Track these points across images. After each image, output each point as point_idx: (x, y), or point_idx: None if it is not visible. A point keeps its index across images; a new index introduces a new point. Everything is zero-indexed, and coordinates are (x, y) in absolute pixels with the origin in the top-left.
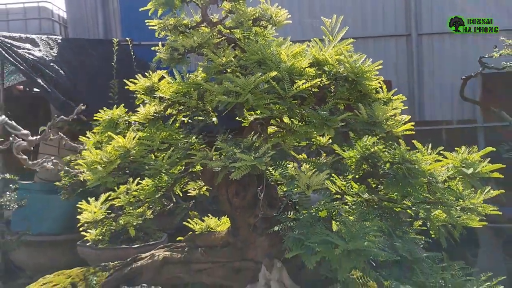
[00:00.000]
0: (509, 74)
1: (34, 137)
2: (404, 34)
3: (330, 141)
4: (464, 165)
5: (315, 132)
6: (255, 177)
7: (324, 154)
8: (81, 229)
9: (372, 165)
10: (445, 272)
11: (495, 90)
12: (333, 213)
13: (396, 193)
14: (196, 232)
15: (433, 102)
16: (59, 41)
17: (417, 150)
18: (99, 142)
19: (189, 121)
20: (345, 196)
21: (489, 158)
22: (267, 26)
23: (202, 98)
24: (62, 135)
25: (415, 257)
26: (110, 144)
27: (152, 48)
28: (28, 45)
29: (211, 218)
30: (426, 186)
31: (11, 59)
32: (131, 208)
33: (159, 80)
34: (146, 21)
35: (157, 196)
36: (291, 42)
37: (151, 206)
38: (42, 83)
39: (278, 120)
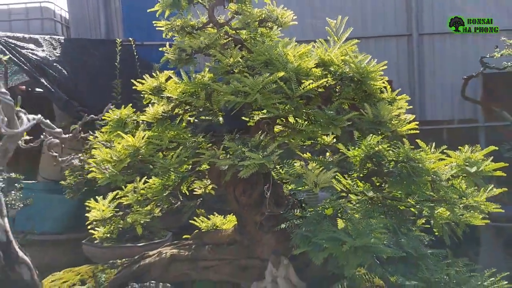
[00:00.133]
0: (510, 74)
1: (67, 135)
2: (405, 34)
3: (334, 140)
4: (467, 163)
5: (320, 132)
6: (261, 175)
7: (328, 153)
8: (89, 227)
9: (376, 163)
10: (450, 268)
11: (496, 90)
12: (339, 211)
13: (400, 191)
14: (203, 230)
15: (434, 101)
16: (62, 41)
17: (421, 149)
18: (108, 141)
19: (195, 120)
20: (349, 194)
21: (492, 157)
22: (272, 27)
23: (210, 98)
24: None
25: (420, 253)
26: (119, 143)
27: (160, 49)
28: (31, 45)
29: (217, 216)
30: (430, 185)
31: (15, 59)
32: (139, 206)
33: (166, 80)
34: (154, 22)
35: (164, 194)
36: (296, 43)
37: (159, 204)
38: (45, 83)
39: (283, 119)
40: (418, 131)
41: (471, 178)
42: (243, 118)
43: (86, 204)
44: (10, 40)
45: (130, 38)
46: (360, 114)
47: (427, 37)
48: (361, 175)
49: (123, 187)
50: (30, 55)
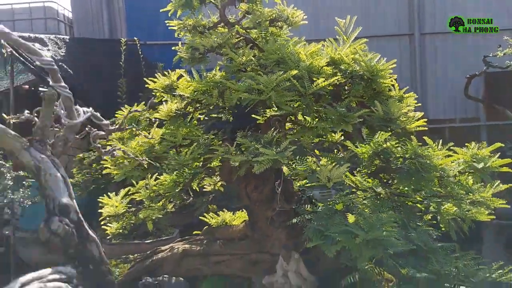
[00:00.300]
0: (508, 72)
1: (113, 127)
2: (407, 34)
3: (342, 138)
4: (474, 160)
5: (331, 128)
6: (273, 172)
7: (339, 150)
8: (102, 222)
9: (384, 160)
10: (458, 261)
11: (498, 88)
12: (350, 206)
13: (408, 187)
14: (213, 226)
15: (436, 101)
16: (67, 40)
17: (428, 146)
18: (121, 138)
19: (205, 118)
20: (357, 190)
21: (499, 153)
22: (282, 26)
23: (222, 96)
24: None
25: (429, 247)
26: (134, 140)
27: (173, 48)
28: (37, 45)
29: (226, 213)
30: (437, 180)
31: (21, 58)
32: (151, 202)
33: (177, 78)
34: (166, 21)
35: (177, 190)
36: (304, 42)
37: (171, 200)
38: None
39: (292, 117)
40: (426, 128)
41: (478, 174)
42: (252, 116)
43: (92, 202)
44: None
45: (135, 38)
46: (370, 111)
47: (428, 36)
48: (369, 171)
49: (134, 183)
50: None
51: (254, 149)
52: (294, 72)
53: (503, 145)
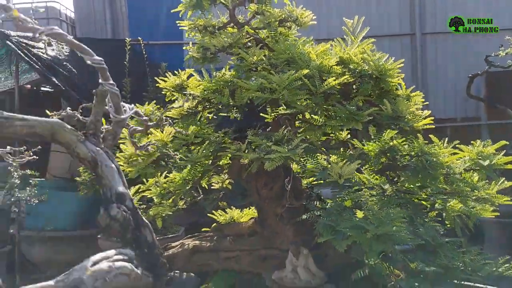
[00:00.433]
0: (510, 72)
1: (151, 123)
2: (409, 34)
3: (348, 136)
4: (480, 157)
5: (341, 126)
6: (282, 169)
7: (342, 149)
8: None
9: (390, 158)
10: (465, 256)
11: (499, 88)
12: (358, 202)
13: (414, 184)
14: (221, 223)
15: (437, 100)
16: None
17: (434, 144)
18: (132, 136)
19: (214, 117)
20: (363, 187)
21: (504, 151)
22: (291, 26)
23: (233, 95)
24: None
25: (437, 242)
26: (147, 138)
27: (184, 48)
28: (41, 45)
29: (234, 210)
30: (443, 178)
31: (26, 58)
32: (162, 199)
33: (187, 78)
34: (177, 22)
35: (187, 188)
36: (312, 42)
37: (182, 197)
38: (57, 82)
39: (300, 116)
40: (433, 127)
41: (483, 171)
42: (261, 114)
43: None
44: (22, 40)
45: (139, 38)
46: (379, 110)
47: (430, 36)
48: (376, 169)
49: (145, 181)
50: (41, 54)
51: (266, 146)
52: (306, 71)
53: (507, 142)
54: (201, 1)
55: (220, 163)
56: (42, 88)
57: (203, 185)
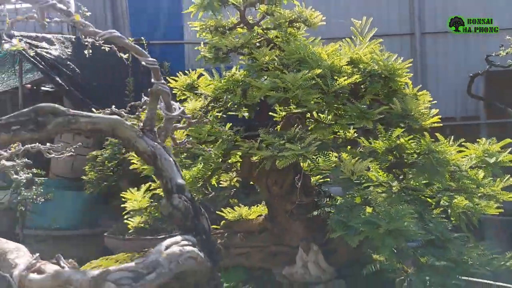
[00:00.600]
0: (510, 71)
1: (194, 120)
2: (408, 33)
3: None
4: (486, 155)
5: (348, 125)
6: (292, 167)
7: (349, 147)
8: (126, 216)
9: (397, 156)
10: (473, 250)
11: (499, 87)
12: (367, 199)
13: (420, 182)
14: (230, 220)
15: (437, 99)
16: (73, 40)
17: (441, 142)
18: None
19: (223, 116)
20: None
21: (510, 149)
22: (300, 27)
23: (245, 94)
24: None
25: (446, 237)
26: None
27: (196, 48)
28: (44, 44)
29: (242, 208)
30: (449, 175)
31: (30, 58)
32: None
33: (198, 77)
34: (189, 23)
35: (198, 185)
36: (322, 42)
37: (194, 194)
38: (60, 82)
39: (308, 114)
40: (441, 125)
41: (489, 169)
42: (270, 113)
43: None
44: (25, 39)
45: (142, 38)
46: (389, 108)
47: (429, 36)
48: (383, 167)
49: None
50: (45, 53)
51: (279, 144)
52: (319, 71)
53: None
54: (212, 2)
55: (230, 161)
56: (42, 88)
57: (213, 183)
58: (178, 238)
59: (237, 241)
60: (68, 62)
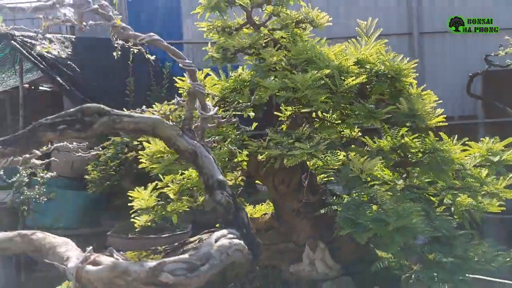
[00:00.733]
0: (509, 71)
1: (223, 119)
2: (406, 33)
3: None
4: (490, 153)
5: (354, 124)
6: (299, 166)
7: (353, 146)
8: (133, 215)
9: (401, 155)
10: (479, 247)
11: (498, 86)
12: (374, 197)
13: (426, 180)
14: None
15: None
16: (73, 40)
17: (446, 141)
18: None
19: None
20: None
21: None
22: (306, 27)
23: (252, 94)
24: None
25: (452, 234)
26: None
27: (203, 48)
28: (45, 44)
29: (247, 206)
30: (454, 173)
31: (31, 57)
32: (180, 195)
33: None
34: (196, 23)
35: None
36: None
37: (202, 193)
38: (61, 81)
39: (314, 114)
40: (446, 124)
41: (493, 167)
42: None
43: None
44: (26, 39)
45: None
46: (396, 108)
47: (427, 35)
48: (387, 165)
49: (162, 178)
50: (45, 53)
51: (288, 143)
52: (327, 71)
53: None
54: (219, 2)
55: (237, 159)
56: (40, 88)
57: None
58: (225, 231)
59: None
60: (69, 62)
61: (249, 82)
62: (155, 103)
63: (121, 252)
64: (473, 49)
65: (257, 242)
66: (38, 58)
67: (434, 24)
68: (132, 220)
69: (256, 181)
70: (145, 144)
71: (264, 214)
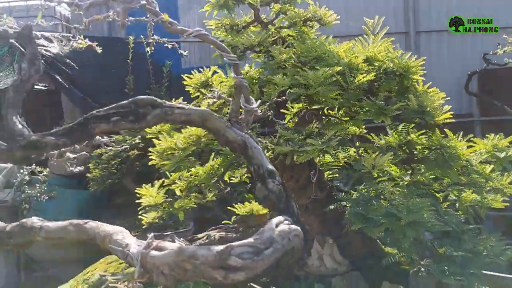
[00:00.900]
0: (507, 70)
1: (260, 113)
2: (403, 32)
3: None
4: (496, 150)
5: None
6: (307, 162)
7: (358, 143)
8: (140, 212)
9: (407, 151)
10: (487, 241)
11: (495, 85)
12: (382, 193)
13: (429, 176)
14: (243, 215)
15: None
16: (71, 38)
17: (451, 137)
18: (160, 131)
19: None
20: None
21: None
22: (313, 25)
23: (261, 92)
24: None
25: (461, 229)
26: (180, 133)
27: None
28: (42, 42)
29: (253, 203)
30: (458, 170)
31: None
32: (188, 192)
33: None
34: (204, 21)
35: (213, 181)
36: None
37: (210, 189)
38: (60, 80)
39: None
40: (453, 120)
41: (499, 163)
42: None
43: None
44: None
45: (141, 36)
46: (405, 104)
47: (424, 34)
48: (393, 162)
49: (168, 175)
50: (44, 51)
51: (298, 140)
52: (339, 68)
53: None
54: (228, 0)
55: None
56: (36, 87)
57: (225, 179)
58: (281, 218)
59: (252, 235)
60: (68, 61)
61: (258, 80)
62: None
63: (182, 239)
64: (470, 48)
65: (306, 229)
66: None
67: (430, 23)
68: (139, 217)
69: None
70: (155, 141)
71: (270, 211)
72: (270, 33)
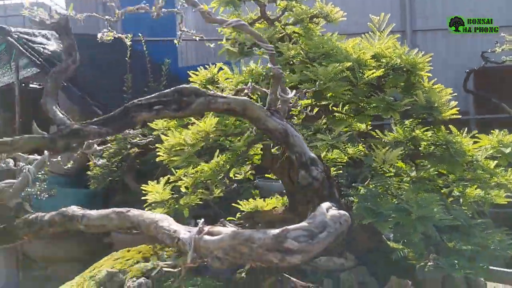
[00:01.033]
0: (504, 67)
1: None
2: (399, 31)
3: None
4: (501, 145)
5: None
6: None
7: (363, 139)
8: (146, 209)
9: (412, 147)
10: (494, 236)
11: (490, 83)
12: (389, 188)
13: (433, 172)
14: (248, 212)
15: None
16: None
17: (456, 133)
18: (167, 128)
19: None
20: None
21: None
22: (319, 22)
23: (269, 88)
24: None
25: (469, 223)
26: (188, 129)
27: (219, 42)
28: (40, 39)
29: (258, 200)
30: (464, 165)
31: (27, 53)
32: (194, 189)
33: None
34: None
35: (219, 178)
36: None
37: (217, 186)
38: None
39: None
40: (459, 116)
41: (504, 158)
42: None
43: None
44: (22, 35)
45: (140, 34)
46: (414, 100)
47: (420, 33)
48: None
49: (174, 171)
50: (42, 49)
51: (307, 135)
52: (348, 64)
53: None
54: None
55: (250, 153)
56: (31, 85)
57: (231, 176)
58: (328, 203)
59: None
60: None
61: (265, 76)
62: None
63: (232, 224)
64: (466, 46)
65: (348, 216)
66: (35, 54)
67: (427, 22)
68: None
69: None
70: (163, 137)
71: (274, 207)
72: (277, 29)
